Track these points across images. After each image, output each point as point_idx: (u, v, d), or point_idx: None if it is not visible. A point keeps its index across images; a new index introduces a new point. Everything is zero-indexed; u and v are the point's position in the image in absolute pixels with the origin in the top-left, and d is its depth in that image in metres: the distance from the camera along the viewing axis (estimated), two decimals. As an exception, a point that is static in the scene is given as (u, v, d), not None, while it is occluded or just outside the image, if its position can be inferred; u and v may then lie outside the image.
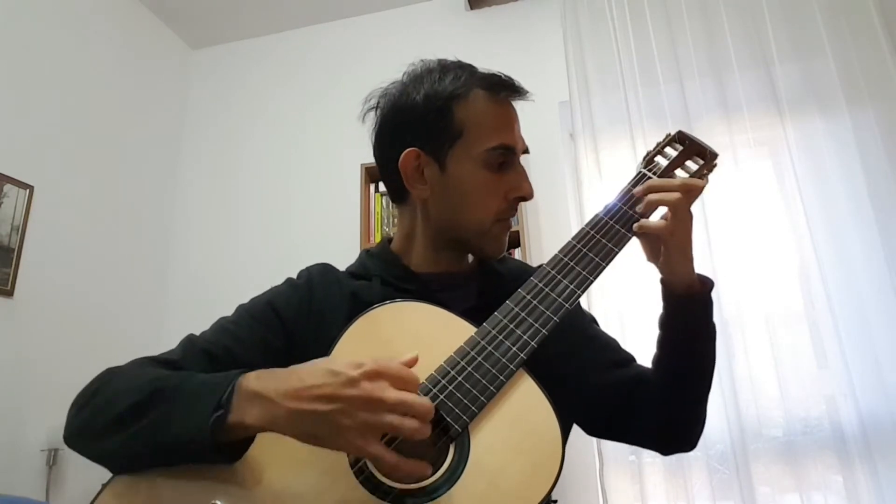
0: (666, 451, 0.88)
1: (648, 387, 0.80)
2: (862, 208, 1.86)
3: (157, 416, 0.60)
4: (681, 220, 0.72)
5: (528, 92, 0.81)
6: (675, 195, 0.72)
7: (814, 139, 1.99)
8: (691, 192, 0.73)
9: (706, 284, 0.78)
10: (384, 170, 0.84)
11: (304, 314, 0.78)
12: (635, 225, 0.74)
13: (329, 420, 0.54)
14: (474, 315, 0.70)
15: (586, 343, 0.87)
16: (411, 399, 0.55)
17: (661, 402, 0.79)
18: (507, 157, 0.78)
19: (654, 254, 0.77)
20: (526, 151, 0.82)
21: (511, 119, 0.80)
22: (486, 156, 0.77)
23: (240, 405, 0.57)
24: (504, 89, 0.79)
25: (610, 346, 0.88)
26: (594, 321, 0.93)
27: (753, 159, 2.03)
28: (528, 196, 0.79)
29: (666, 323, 0.79)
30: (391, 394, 0.54)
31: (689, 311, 0.77)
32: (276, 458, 0.61)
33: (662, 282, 0.78)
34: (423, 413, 0.55)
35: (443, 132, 0.77)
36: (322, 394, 0.55)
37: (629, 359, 0.87)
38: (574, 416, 0.83)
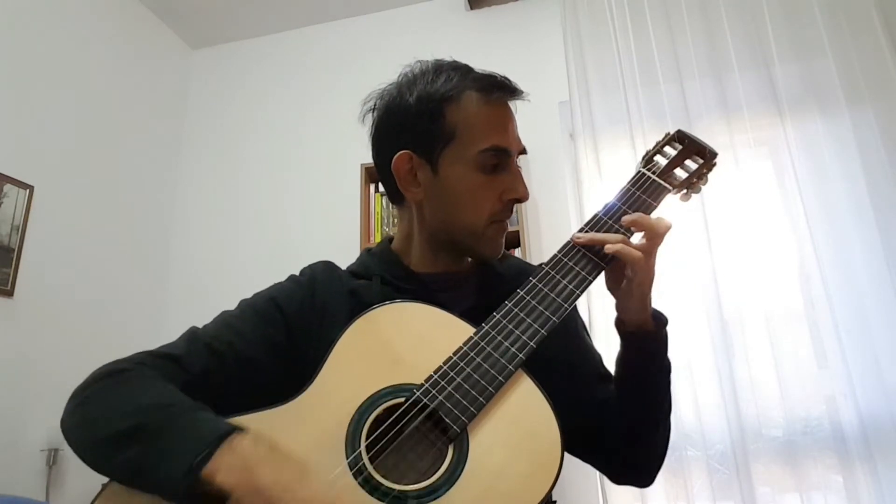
0: (617, 481, 0.84)
1: (610, 414, 0.78)
2: (862, 208, 1.86)
3: (139, 454, 0.59)
4: (651, 257, 0.71)
5: (522, 92, 0.80)
6: (658, 229, 0.71)
7: (814, 139, 1.98)
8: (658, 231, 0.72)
9: (660, 322, 0.76)
10: (381, 171, 0.84)
11: (306, 311, 0.78)
12: (607, 247, 0.71)
13: None
14: (474, 315, 0.70)
15: (581, 349, 0.87)
16: None
17: (616, 432, 0.77)
18: (500, 159, 0.77)
19: (614, 284, 0.75)
20: (522, 152, 0.82)
21: (504, 120, 0.79)
22: (479, 158, 0.76)
23: (221, 460, 0.55)
24: (497, 90, 0.78)
25: (595, 358, 0.87)
26: (585, 329, 0.92)
27: (753, 159, 2.03)
28: (522, 198, 0.78)
29: (619, 358, 0.78)
30: None
31: (637, 349, 0.75)
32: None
33: (616, 318, 0.77)
34: None
35: (435, 135, 0.77)
36: None
37: (610, 376, 0.85)
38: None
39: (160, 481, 0.57)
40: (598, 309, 1.89)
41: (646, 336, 0.75)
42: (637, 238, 0.73)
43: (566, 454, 0.82)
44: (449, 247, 0.82)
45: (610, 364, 0.85)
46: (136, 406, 0.63)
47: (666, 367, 0.77)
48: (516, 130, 0.81)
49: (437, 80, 0.78)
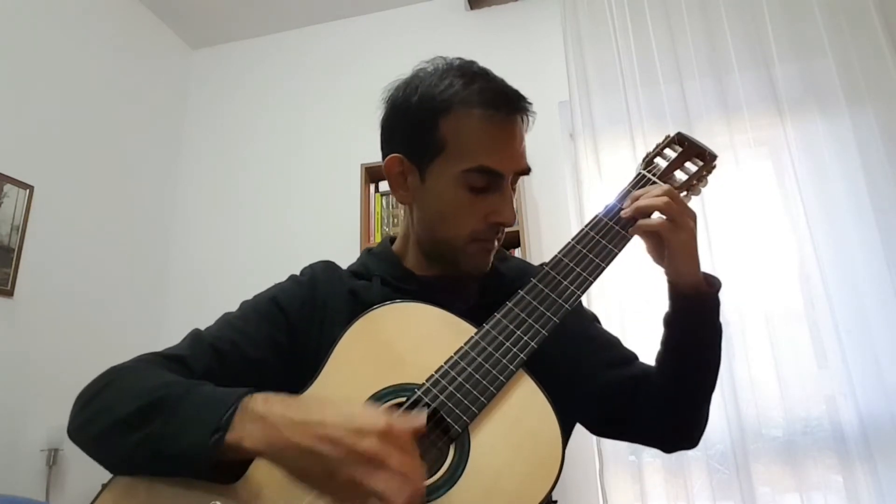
0: (669, 449, 0.87)
1: (651, 385, 0.79)
2: (862, 208, 1.86)
3: (158, 428, 0.58)
4: (679, 222, 0.72)
5: (527, 108, 0.76)
6: (664, 199, 0.72)
7: (814, 139, 1.99)
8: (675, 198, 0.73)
9: (713, 284, 0.77)
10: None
11: (307, 310, 0.78)
12: (631, 229, 0.74)
13: (325, 463, 0.51)
14: (475, 315, 0.70)
15: (586, 343, 0.86)
16: (414, 478, 0.51)
17: (664, 401, 0.78)
18: (489, 181, 0.73)
19: (660, 255, 0.76)
20: (524, 173, 0.77)
21: (500, 141, 0.74)
22: (464, 177, 0.73)
23: (241, 425, 0.55)
24: (496, 107, 0.73)
25: (611, 344, 0.88)
26: (595, 320, 0.92)
27: (753, 159, 2.03)
28: (507, 222, 0.75)
29: (671, 322, 0.78)
30: (395, 462, 0.50)
31: (695, 311, 0.76)
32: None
33: (669, 282, 0.77)
34: (418, 494, 0.51)
35: (426, 144, 0.75)
36: (328, 435, 0.52)
37: (631, 357, 0.86)
38: (576, 415, 0.83)
39: (181, 449, 0.56)
40: (598, 310, 1.89)
41: (703, 297, 0.75)
42: (656, 215, 0.74)
43: (624, 440, 0.87)
44: (435, 255, 0.81)
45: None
46: (153, 385, 0.62)
47: (719, 329, 0.77)
48: (519, 149, 0.75)
49: (439, 85, 0.75)
